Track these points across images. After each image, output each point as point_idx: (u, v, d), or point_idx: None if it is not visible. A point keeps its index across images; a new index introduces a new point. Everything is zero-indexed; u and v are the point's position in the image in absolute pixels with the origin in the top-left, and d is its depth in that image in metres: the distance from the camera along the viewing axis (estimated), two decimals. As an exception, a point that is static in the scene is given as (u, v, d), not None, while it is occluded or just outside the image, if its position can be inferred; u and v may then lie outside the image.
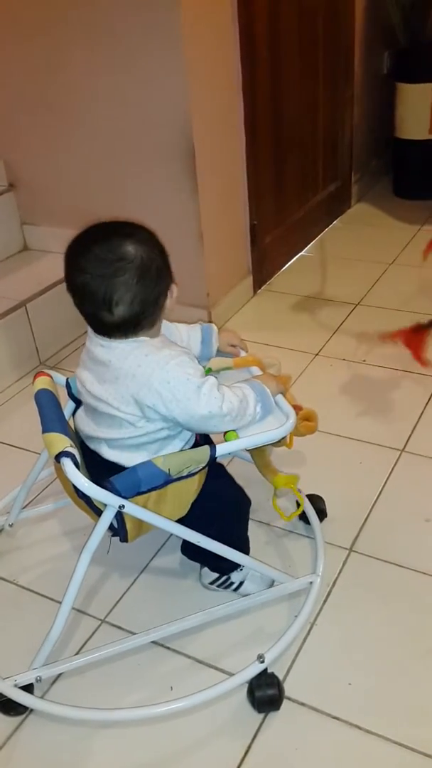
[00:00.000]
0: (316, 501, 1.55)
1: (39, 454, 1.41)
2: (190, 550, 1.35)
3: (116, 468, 1.16)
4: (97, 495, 1.09)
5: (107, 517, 1.12)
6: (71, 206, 2.38)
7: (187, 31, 1.93)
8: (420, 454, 1.74)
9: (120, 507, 1.10)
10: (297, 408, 1.29)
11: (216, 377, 1.17)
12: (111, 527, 1.15)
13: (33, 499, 1.67)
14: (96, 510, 1.15)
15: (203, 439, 1.27)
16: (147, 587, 1.45)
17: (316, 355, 2.19)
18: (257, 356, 1.38)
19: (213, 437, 1.26)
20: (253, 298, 2.59)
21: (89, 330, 1.18)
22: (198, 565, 1.41)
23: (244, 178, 2.38)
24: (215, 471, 1.26)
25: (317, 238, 3.03)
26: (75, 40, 2.09)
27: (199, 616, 1.31)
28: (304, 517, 1.54)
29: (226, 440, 1.17)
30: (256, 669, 1.21)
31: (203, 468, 1.17)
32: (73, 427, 1.28)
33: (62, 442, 1.12)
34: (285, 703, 1.20)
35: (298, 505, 1.40)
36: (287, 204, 2.73)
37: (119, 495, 1.09)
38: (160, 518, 1.15)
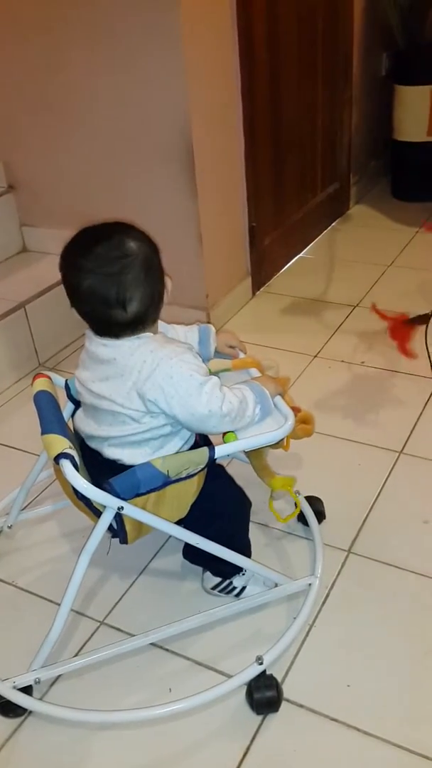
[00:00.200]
0: (315, 503, 1.55)
1: (38, 455, 1.41)
2: (191, 554, 1.35)
3: (117, 467, 1.17)
4: (95, 496, 1.09)
5: (106, 519, 1.12)
6: (70, 208, 2.38)
7: (186, 32, 1.93)
8: (418, 456, 1.74)
9: (119, 508, 1.10)
10: (295, 410, 1.29)
11: (215, 376, 1.17)
12: (110, 528, 1.15)
13: (32, 501, 1.67)
14: (96, 511, 1.15)
15: (203, 440, 1.27)
16: (146, 589, 1.45)
17: (315, 356, 2.20)
18: (256, 358, 1.38)
19: (212, 438, 1.26)
20: (252, 299, 2.59)
21: (88, 331, 1.18)
22: (199, 568, 1.41)
23: (243, 179, 2.38)
24: (215, 472, 1.26)
25: (316, 240, 3.03)
26: (75, 40, 2.09)
27: (198, 618, 1.31)
28: (302, 519, 1.54)
29: (224, 441, 1.17)
30: (254, 671, 1.21)
31: (202, 469, 1.17)
32: (72, 428, 1.29)
33: (61, 444, 1.12)
34: (284, 704, 1.20)
35: (296, 506, 1.40)
36: (286, 205, 2.74)
37: (118, 496, 1.09)
38: (160, 520, 1.15)
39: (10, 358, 2.15)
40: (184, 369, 1.11)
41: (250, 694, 1.20)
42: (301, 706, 1.21)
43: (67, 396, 1.33)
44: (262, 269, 2.63)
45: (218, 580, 1.37)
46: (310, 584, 1.38)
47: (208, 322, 1.46)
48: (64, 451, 1.10)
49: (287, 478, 1.36)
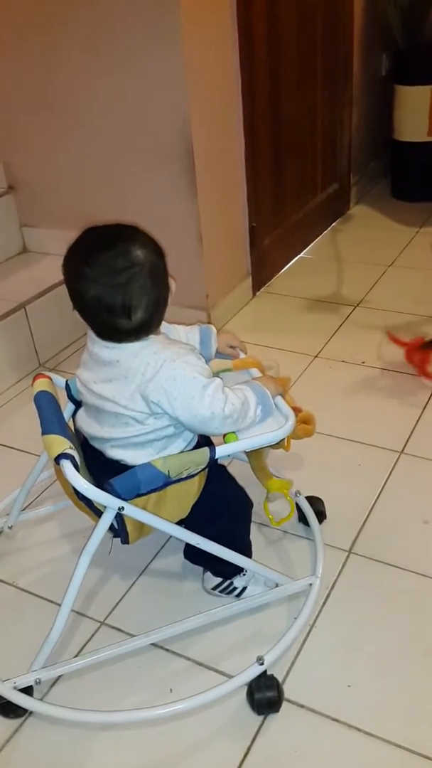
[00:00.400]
0: (316, 503, 1.55)
1: (39, 455, 1.41)
2: (192, 554, 1.35)
3: (120, 467, 1.16)
4: (96, 497, 1.09)
5: (106, 519, 1.12)
6: (70, 208, 2.39)
7: (186, 32, 1.94)
8: (419, 456, 1.74)
9: (119, 509, 1.10)
10: (296, 410, 1.29)
11: (218, 378, 1.17)
12: (111, 529, 1.15)
13: (32, 501, 1.67)
14: (96, 511, 1.15)
15: (203, 440, 1.27)
16: (147, 589, 1.45)
17: (315, 356, 2.20)
18: (256, 358, 1.38)
19: (213, 438, 1.26)
20: (252, 299, 2.59)
21: (90, 332, 1.18)
22: (200, 568, 1.41)
23: (243, 179, 2.38)
24: (216, 472, 1.26)
25: (316, 240, 3.04)
26: (74, 41, 2.09)
27: (199, 618, 1.31)
28: (303, 519, 1.54)
29: (225, 442, 1.17)
30: (255, 671, 1.21)
31: (203, 469, 1.17)
32: (72, 428, 1.29)
33: (62, 444, 1.12)
34: (284, 705, 1.20)
35: (291, 510, 1.39)
36: (286, 206, 2.74)
37: (119, 497, 1.09)
38: (160, 520, 1.15)
39: (11, 358, 2.15)
40: (188, 371, 1.11)
41: (250, 695, 1.20)
42: (302, 706, 1.20)
43: (68, 396, 1.33)
44: (263, 269, 2.63)
45: (219, 580, 1.37)
46: (310, 584, 1.38)
47: (209, 323, 1.46)
48: (65, 451, 1.10)
49: (284, 481, 1.35)
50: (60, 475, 1.16)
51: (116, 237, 1.10)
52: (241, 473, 1.40)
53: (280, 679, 1.22)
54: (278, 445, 1.27)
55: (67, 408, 1.33)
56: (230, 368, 1.36)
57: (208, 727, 1.18)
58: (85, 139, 2.23)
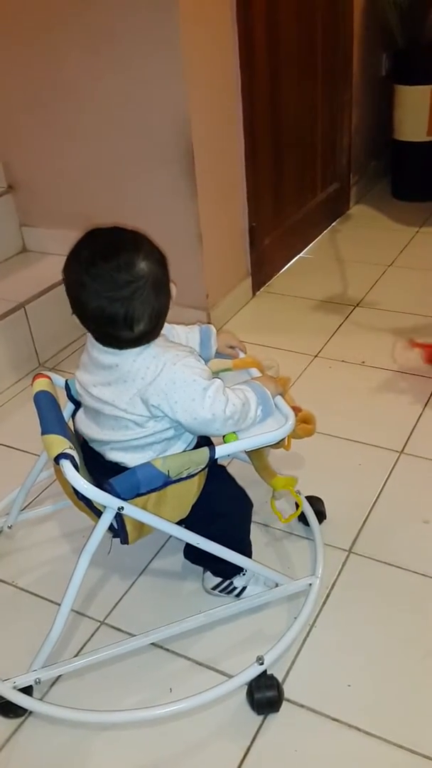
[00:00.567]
0: (316, 503, 1.55)
1: (38, 455, 1.41)
2: (192, 554, 1.35)
3: (119, 469, 1.16)
4: (96, 497, 1.09)
5: (106, 519, 1.12)
6: (70, 208, 2.38)
7: (185, 33, 1.93)
8: (419, 456, 1.74)
9: (119, 509, 1.10)
10: (296, 409, 1.29)
11: (218, 379, 1.17)
12: (111, 528, 1.15)
13: (32, 501, 1.67)
14: (96, 511, 1.15)
15: (203, 440, 1.27)
16: (146, 589, 1.45)
17: (315, 356, 2.19)
18: (256, 358, 1.38)
19: (212, 438, 1.26)
20: (252, 299, 2.59)
21: (90, 335, 1.18)
22: (200, 568, 1.41)
23: (243, 179, 2.38)
24: (216, 472, 1.26)
25: (316, 240, 3.04)
26: (74, 41, 2.09)
27: (199, 618, 1.31)
28: (303, 519, 1.54)
29: (225, 441, 1.17)
30: (255, 671, 1.21)
31: (203, 469, 1.17)
32: (72, 428, 1.28)
33: (61, 444, 1.12)
34: (284, 704, 1.20)
35: (298, 506, 1.40)
36: (286, 206, 2.74)
37: (118, 497, 1.09)
38: (160, 520, 1.15)
39: (10, 358, 2.15)
40: (188, 373, 1.11)
41: (250, 694, 1.20)
42: (302, 706, 1.20)
43: (68, 396, 1.33)
44: (262, 269, 2.63)
45: (219, 580, 1.37)
46: (310, 584, 1.38)
47: (209, 322, 1.46)
48: (64, 451, 1.10)
49: (289, 478, 1.35)
50: (59, 474, 1.16)
51: (119, 246, 1.08)
52: (242, 474, 1.40)
53: (280, 678, 1.22)
54: (278, 444, 1.27)
55: (67, 408, 1.33)
56: (230, 368, 1.36)
57: (208, 727, 1.18)
58: (85, 138, 2.23)
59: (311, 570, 1.43)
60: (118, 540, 1.19)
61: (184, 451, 1.21)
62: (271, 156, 2.54)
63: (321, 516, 1.54)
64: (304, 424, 1.39)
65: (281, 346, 2.22)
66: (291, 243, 2.84)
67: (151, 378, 1.11)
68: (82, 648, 1.33)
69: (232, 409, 1.14)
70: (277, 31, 2.39)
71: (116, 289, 1.06)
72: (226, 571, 1.35)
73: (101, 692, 1.25)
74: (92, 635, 1.35)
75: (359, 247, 2.94)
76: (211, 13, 2.05)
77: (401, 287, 2.58)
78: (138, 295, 1.07)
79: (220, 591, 1.38)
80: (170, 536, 1.35)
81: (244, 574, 1.36)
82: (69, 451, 1.10)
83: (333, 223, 3.18)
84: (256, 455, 1.37)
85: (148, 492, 1.12)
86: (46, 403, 1.25)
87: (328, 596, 1.39)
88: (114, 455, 1.20)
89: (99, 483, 1.10)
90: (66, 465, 1.09)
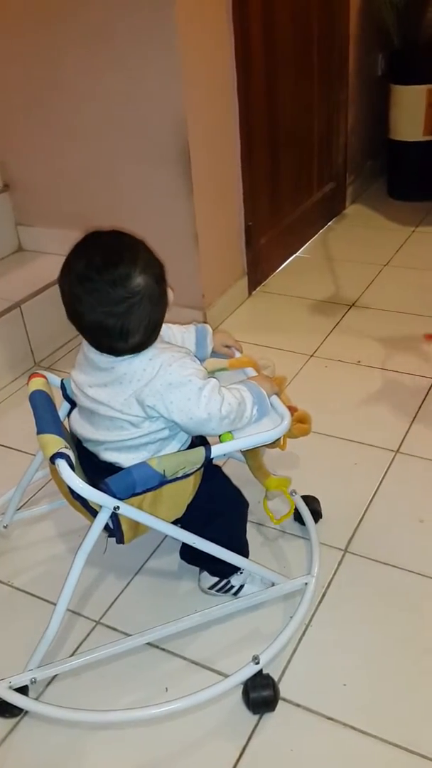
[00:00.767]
0: (311, 502, 1.55)
1: (34, 455, 1.40)
2: (188, 554, 1.35)
3: (114, 469, 1.16)
4: (91, 496, 1.09)
5: (102, 519, 1.12)
6: (66, 207, 2.38)
7: (182, 32, 1.93)
8: (414, 455, 1.75)
9: (115, 508, 1.10)
10: (292, 409, 1.29)
11: (214, 378, 1.17)
12: (107, 528, 1.15)
13: (28, 501, 1.67)
14: (92, 511, 1.15)
15: (198, 439, 1.27)
16: (142, 588, 1.45)
17: (311, 356, 2.20)
18: (252, 357, 1.38)
19: (208, 438, 1.26)
20: (248, 299, 2.59)
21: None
22: (195, 568, 1.41)
23: (239, 179, 2.38)
24: (211, 472, 1.26)
25: (312, 240, 3.04)
26: (71, 39, 2.09)
27: (195, 618, 1.31)
28: (299, 518, 1.54)
29: (221, 441, 1.17)
30: (251, 670, 1.21)
31: (198, 469, 1.17)
32: (68, 428, 1.28)
33: (57, 444, 1.11)
34: (280, 704, 1.20)
35: (290, 507, 1.40)
36: (282, 205, 2.74)
37: (114, 496, 1.09)
38: (156, 519, 1.15)
39: (6, 357, 2.14)
40: (183, 374, 1.11)
41: (246, 694, 1.20)
42: (298, 705, 1.21)
43: (63, 395, 1.33)
44: (258, 268, 2.63)
45: (215, 579, 1.37)
46: (306, 583, 1.38)
47: (205, 322, 1.46)
48: (60, 450, 1.10)
49: (282, 478, 1.35)
50: (55, 474, 1.16)
51: (116, 259, 1.06)
52: (237, 473, 1.40)
53: (275, 678, 1.22)
54: (274, 444, 1.28)
55: (63, 407, 1.33)
56: (226, 368, 1.36)
57: (203, 727, 1.18)
58: (81, 138, 2.23)
59: (307, 569, 1.43)
60: (113, 540, 1.19)
61: (179, 450, 1.21)
62: (268, 155, 2.54)
63: (317, 515, 1.54)
64: (300, 423, 1.39)
65: (277, 346, 2.22)
66: (287, 242, 2.84)
67: (147, 379, 1.11)
68: (77, 648, 1.33)
69: (227, 409, 1.14)
70: (274, 31, 2.39)
71: (112, 304, 1.06)
72: (224, 570, 1.35)
73: (97, 692, 1.25)
74: (88, 635, 1.35)
75: (355, 247, 2.94)
76: (208, 13, 2.05)
77: (397, 287, 2.58)
78: (134, 310, 1.07)
79: (218, 590, 1.38)
80: (166, 536, 1.35)
81: (240, 573, 1.36)
82: (65, 450, 1.10)
83: (329, 223, 3.19)
84: (251, 455, 1.37)
85: (144, 491, 1.12)
86: (41, 403, 1.25)
87: (323, 595, 1.39)
88: (108, 455, 1.20)
89: (94, 483, 1.10)
90: (62, 464, 1.08)
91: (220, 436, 1.18)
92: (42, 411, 1.23)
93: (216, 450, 1.15)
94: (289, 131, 2.66)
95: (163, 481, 1.12)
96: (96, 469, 1.18)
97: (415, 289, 2.54)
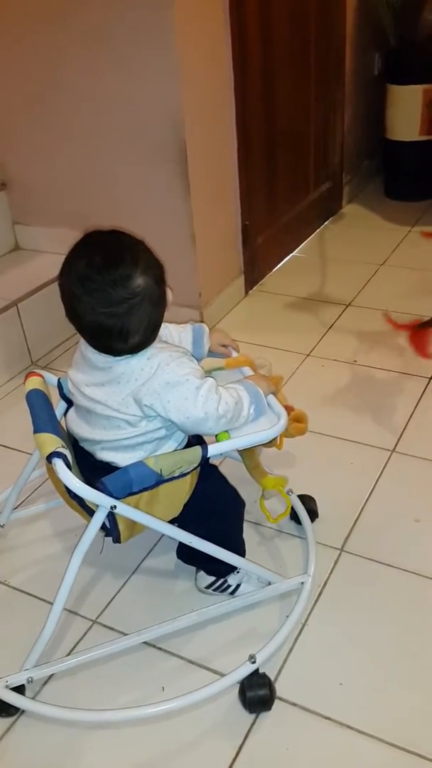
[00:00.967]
0: (308, 501, 1.55)
1: (31, 454, 1.40)
2: (185, 554, 1.35)
3: (110, 468, 1.16)
4: (88, 495, 1.09)
5: (99, 518, 1.12)
6: (63, 206, 2.38)
7: (180, 31, 1.93)
8: (410, 455, 1.75)
9: (111, 507, 1.10)
10: (288, 408, 1.29)
11: (211, 378, 1.17)
12: (103, 527, 1.15)
13: (24, 500, 1.67)
14: (88, 510, 1.15)
15: (195, 440, 1.27)
16: (139, 588, 1.45)
17: (308, 355, 2.20)
18: (249, 356, 1.38)
19: (205, 437, 1.26)
20: (244, 298, 2.59)
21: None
22: (192, 567, 1.41)
23: (236, 178, 2.38)
24: (208, 472, 1.26)
25: (309, 239, 3.04)
26: (69, 38, 2.08)
27: (191, 617, 1.31)
28: (295, 517, 1.54)
29: (217, 440, 1.17)
30: (247, 669, 1.21)
31: (195, 468, 1.17)
32: (65, 427, 1.28)
33: (54, 443, 1.11)
34: (276, 703, 1.20)
35: (287, 507, 1.40)
36: (279, 205, 2.74)
37: (111, 495, 1.09)
38: (153, 519, 1.15)
39: (3, 356, 2.14)
40: (180, 373, 1.11)
41: (242, 693, 1.20)
42: (294, 704, 1.21)
43: (60, 395, 1.33)
44: (255, 268, 2.63)
45: (212, 579, 1.37)
46: (302, 583, 1.38)
47: (201, 321, 1.46)
48: (57, 449, 1.10)
49: (279, 477, 1.36)
50: (52, 473, 1.16)
51: (116, 259, 1.06)
52: (234, 473, 1.40)
53: (272, 677, 1.22)
54: (271, 443, 1.28)
55: (59, 406, 1.33)
56: (222, 367, 1.36)
57: (200, 726, 1.18)
58: (79, 136, 2.23)
59: (303, 568, 1.43)
60: (110, 539, 1.19)
61: (176, 450, 1.21)
62: (264, 155, 2.54)
63: (313, 515, 1.54)
64: (297, 422, 1.39)
65: (274, 345, 2.22)
66: (284, 242, 2.85)
67: (144, 379, 1.11)
68: (74, 647, 1.33)
69: (224, 408, 1.14)
70: (271, 31, 2.39)
71: (112, 305, 1.06)
72: (220, 570, 1.35)
73: (94, 691, 1.25)
74: (85, 634, 1.35)
75: (352, 246, 2.94)
76: (205, 12, 2.05)
77: (393, 286, 2.58)
78: (135, 311, 1.07)
79: (215, 590, 1.38)
80: (162, 535, 1.35)
81: (237, 572, 1.36)
82: (61, 449, 1.10)
83: (326, 222, 3.19)
84: (247, 454, 1.37)
85: (141, 491, 1.12)
86: (38, 402, 1.25)
87: (320, 594, 1.39)
88: (105, 455, 1.20)
89: (90, 482, 1.10)
90: (58, 464, 1.08)
91: (216, 436, 1.18)
92: (39, 410, 1.23)
93: (213, 449, 1.15)
94: (286, 131, 2.66)
95: (160, 481, 1.13)
96: (92, 469, 1.18)
97: (411, 289, 2.54)
